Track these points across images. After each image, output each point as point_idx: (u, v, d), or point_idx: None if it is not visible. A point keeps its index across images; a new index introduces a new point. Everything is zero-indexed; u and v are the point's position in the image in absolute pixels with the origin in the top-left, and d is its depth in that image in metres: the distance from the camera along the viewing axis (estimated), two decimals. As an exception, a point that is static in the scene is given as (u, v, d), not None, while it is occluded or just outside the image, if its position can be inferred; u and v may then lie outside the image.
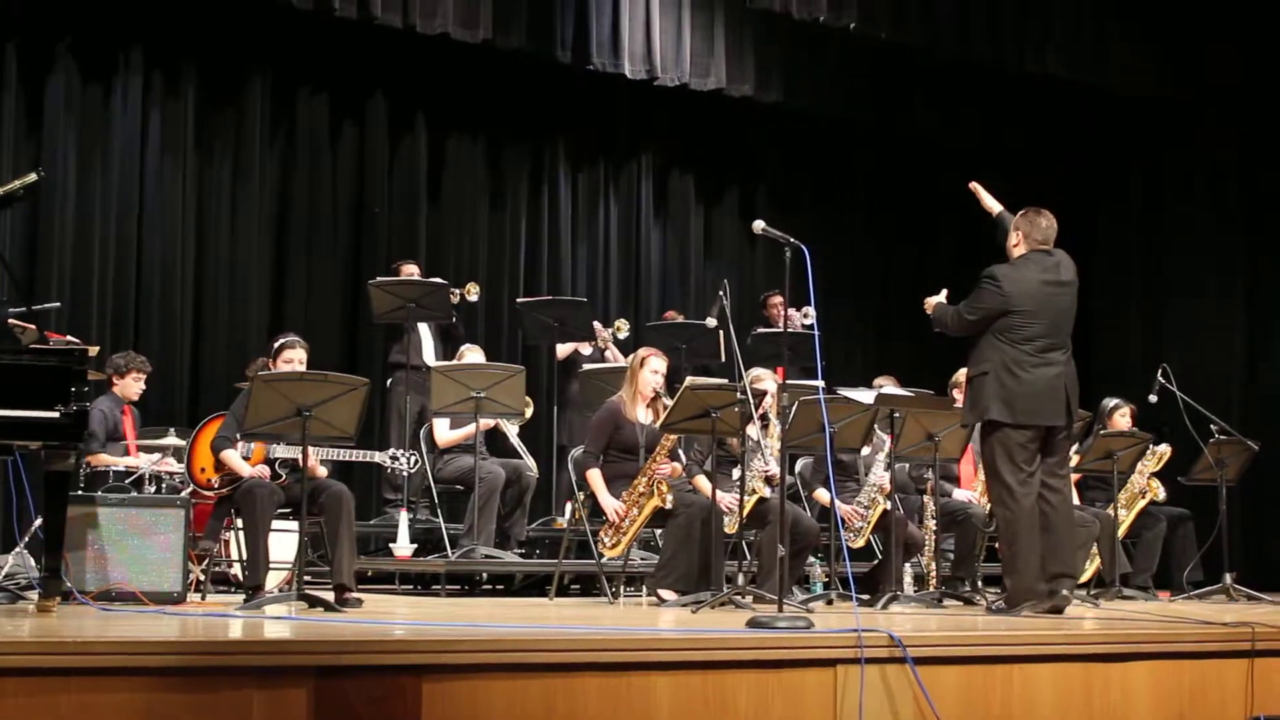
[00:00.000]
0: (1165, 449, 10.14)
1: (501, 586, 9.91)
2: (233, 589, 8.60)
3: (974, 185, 8.00)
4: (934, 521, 8.64)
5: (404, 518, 9.38)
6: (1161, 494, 10.14)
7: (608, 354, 11.10)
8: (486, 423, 9.46)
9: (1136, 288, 14.25)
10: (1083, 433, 9.52)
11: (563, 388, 10.95)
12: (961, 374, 9.34)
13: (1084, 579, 9.31)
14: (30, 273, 10.49)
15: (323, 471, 7.67)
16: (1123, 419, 10.21)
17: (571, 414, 10.77)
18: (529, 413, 10.07)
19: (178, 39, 11.23)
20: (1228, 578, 9.73)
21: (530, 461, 9.89)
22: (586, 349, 11.05)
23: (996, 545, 7.74)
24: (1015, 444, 7.19)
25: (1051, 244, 7.48)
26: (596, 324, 11.03)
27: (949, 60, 13.08)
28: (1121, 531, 9.81)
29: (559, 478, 10.53)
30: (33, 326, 6.55)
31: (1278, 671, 6.10)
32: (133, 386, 9.29)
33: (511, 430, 10.00)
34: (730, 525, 7.93)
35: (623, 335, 11.28)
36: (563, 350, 11.01)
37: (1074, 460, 8.85)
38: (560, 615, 6.95)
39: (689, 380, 7.76)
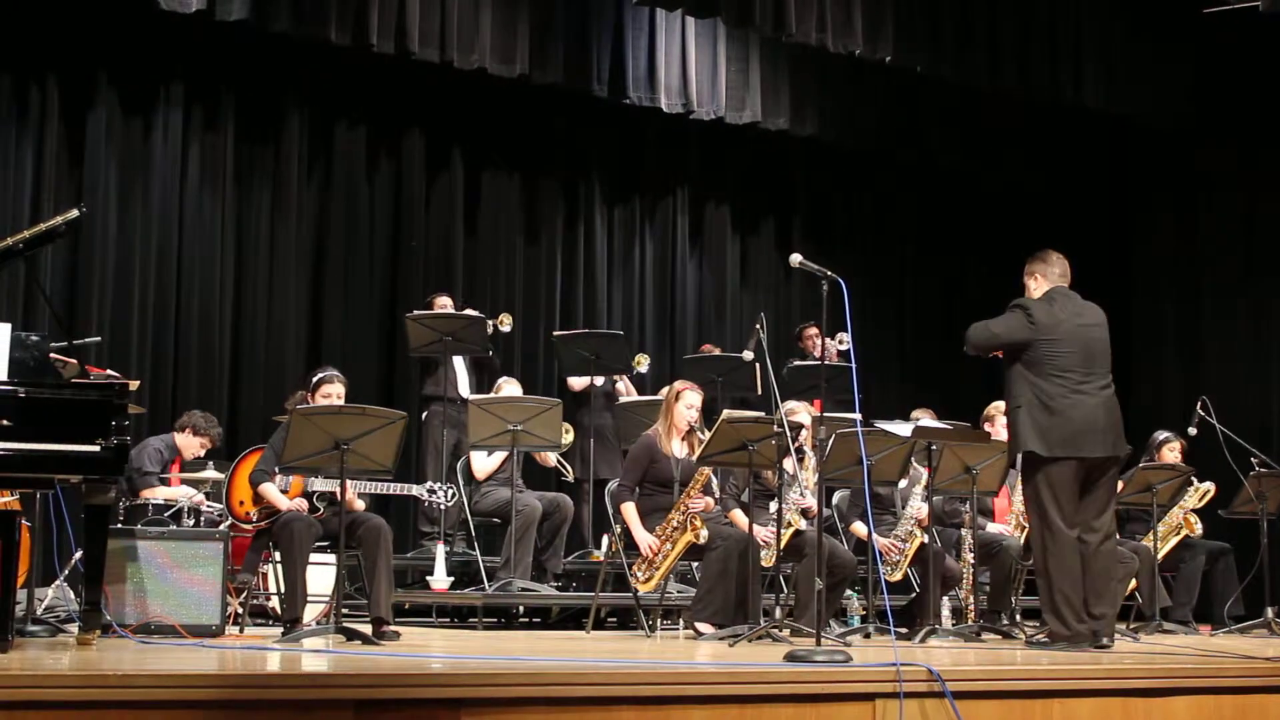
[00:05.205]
0: (1209, 486, 10.05)
1: (538, 619, 9.91)
2: (271, 622, 8.61)
3: None
4: (971, 554, 8.61)
5: (441, 551, 9.40)
6: (1198, 529, 10.06)
7: (619, 386, 11.10)
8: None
9: (1173, 321, 14.19)
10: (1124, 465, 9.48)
11: (579, 421, 10.89)
12: (992, 407, 9.35)
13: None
14: (71, 308, 10.57)
15: (360, 505, 7.68)
16: (1171, 453, 10.12)
17: (599, 446, 10.74)
18: (569, 439, 10.09)
19: (217, 73, 11.33)
20: (1269, 611, 9.64)
21: (567, 466, 10.03)
22: (599, 380, 11.01)
23: (1035, 579, 7.69)
24: (1057, 481, 7.12)
25: (1069, 280, 7.46)
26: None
27: (984, 92, 13.08)
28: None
29: (594, 511, 10.53)
30: (74, 361, 6.59)
31: (1320, 706, 6.04)
32: (195, 449, 9.34)
33: (551, 454, 10.04)
34: (767, 558, 7.91)
35: (643, 369, 11.28)
36: (578, 383, 10.99)
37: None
38: (597, 649, 6.94)
39: (726, 413, 7.76)
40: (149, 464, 9.11)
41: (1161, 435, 10.26)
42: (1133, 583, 9.50)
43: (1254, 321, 13.55)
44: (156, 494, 8.88)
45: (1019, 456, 7.41)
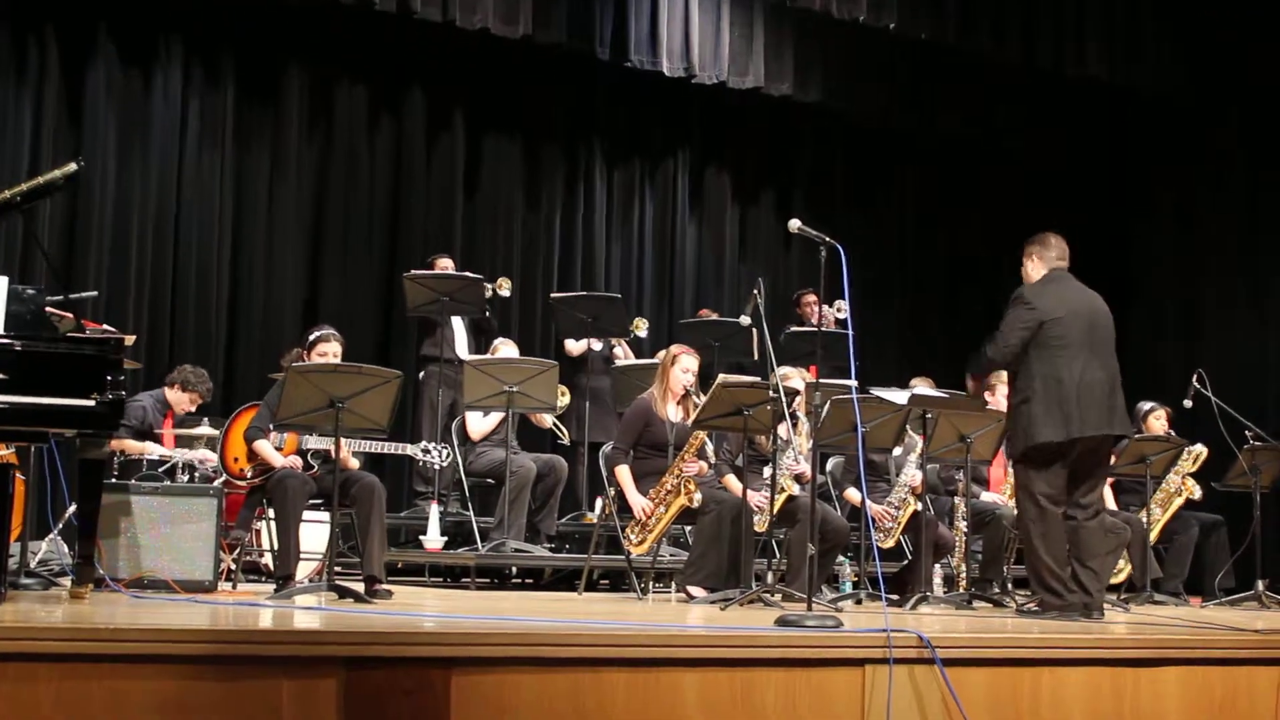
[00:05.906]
0: (1201, 449, 10.08)
1: (531, 581, 9.93)
2: (263, 578, 8.64)
3: None
4: (964, 523, 8.63)
5: (435, 510, 9.41)
6: (1197, 493, 10.07)
7: (616, 350, 11.09)
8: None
9: (1171, 293, 14.17)
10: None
11: (575, 383, 10.89)
12: (993, 376, 9.33)
13: (1116, 580, 9.27)
14: (68, 261, 10.56)
15: (354, 463, 7.68)
16: (1158, 422, 10.16)
17: (595, 409, 10.74)
18: (564, 401, 10.10)
19: (217, 29, 11.30)
20: (1260, 585, 9.67)
21: (562, 428, 10.15)
22: (598, 345, 11.00)
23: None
24: (1047, 459, 7.13)
25: (1068, 263, 7.44)
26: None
27: (988, 62, 13.05)
28: (1155, 533, 9.76)
29: (589, 473, 10.54)
30: (70, 315, 6.57)
31: (1309, 679, 6.07)
32: (186, 404, 9.34)
33: (547, 416, 10.05)
34: (760, 523, 7.93)
35: (641, 334, 11.27)
36: (576, 348, 10.98)
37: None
38: (589, 610, 6.95)
39: (721, 378, 7.76)
40: (131, 419, 9.07)
41: (1147, 405, 10.29)
42: (1127, 569, 9.51)
43: (1254, 299, 13.52)
44: (124, 446, 8.86)
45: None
